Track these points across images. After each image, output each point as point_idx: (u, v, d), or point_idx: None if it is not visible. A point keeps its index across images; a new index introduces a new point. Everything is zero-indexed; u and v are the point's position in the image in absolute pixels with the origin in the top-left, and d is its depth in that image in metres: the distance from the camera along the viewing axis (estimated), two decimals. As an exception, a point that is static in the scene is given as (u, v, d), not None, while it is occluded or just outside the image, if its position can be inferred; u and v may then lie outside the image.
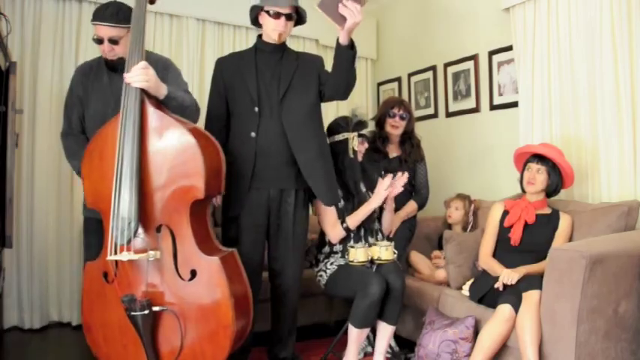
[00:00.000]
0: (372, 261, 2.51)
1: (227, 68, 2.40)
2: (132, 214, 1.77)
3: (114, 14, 2.09)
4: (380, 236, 2.68)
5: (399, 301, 2.40)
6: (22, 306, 3.12)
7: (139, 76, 1.86)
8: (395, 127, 3.01)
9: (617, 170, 2.56)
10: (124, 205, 1.77)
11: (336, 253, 2.59)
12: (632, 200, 2.39)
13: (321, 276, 2.58)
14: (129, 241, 1.78)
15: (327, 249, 2.62)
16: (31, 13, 3.15)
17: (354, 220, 2.52)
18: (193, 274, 1.84)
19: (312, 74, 2.40)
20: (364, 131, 2.68)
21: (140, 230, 1.82)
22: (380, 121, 3.07)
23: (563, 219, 2.44)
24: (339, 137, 2.59)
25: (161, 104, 1.96)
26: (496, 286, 2.27)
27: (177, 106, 2.02)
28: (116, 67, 2.19)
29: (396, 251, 2.54)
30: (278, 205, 2.37)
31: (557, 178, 2.47)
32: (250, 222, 2.34)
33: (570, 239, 2.41)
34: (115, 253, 1.78)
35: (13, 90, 2.49)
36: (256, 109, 2.32)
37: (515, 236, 2.44)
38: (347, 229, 2.52)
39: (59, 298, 3.23)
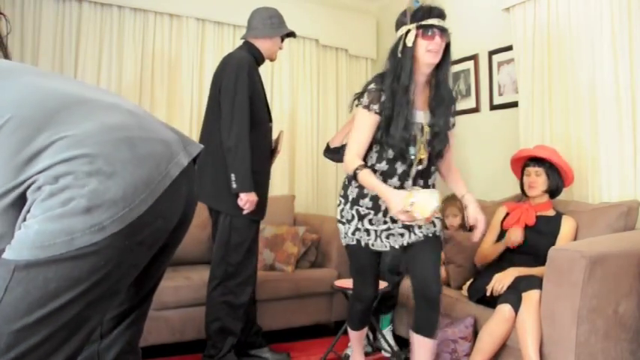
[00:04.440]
0: (405, 247, 2.07)
1: (254, 74, 2.45)
2: None
3: None
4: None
5: (437, 309, 1.98)
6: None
7: None
8: None
9: (617, 170, 2.56)
10: None
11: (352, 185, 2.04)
12: (632, 200, 2.39)
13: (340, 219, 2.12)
14: None
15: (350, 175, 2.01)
16: (31, 13, 3.15)
17: (367, 181, 1.90)
18: None
19: None
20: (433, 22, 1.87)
21: None
22: None
23: (565, 222, 2.43)
24: (399, 33, 1.93)
25: None
26: (487, 293, 2.28)
27: None
28: None
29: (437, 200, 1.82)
30: None
31: (556, 177, 2.47)
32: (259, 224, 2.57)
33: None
34: None
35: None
36: (270, 124, 2.54)
37: None
38: (354, 176, 1.92)
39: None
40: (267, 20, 2.52)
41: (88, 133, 0.90)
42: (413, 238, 2.03)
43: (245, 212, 2.38)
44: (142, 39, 3.48)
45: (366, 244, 2.06)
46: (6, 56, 2.32)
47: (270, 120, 2.58)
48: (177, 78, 3.60)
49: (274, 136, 2.65)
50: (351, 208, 2.05)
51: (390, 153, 1.94)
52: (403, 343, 2.82)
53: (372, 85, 1.95)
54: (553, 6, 2.86)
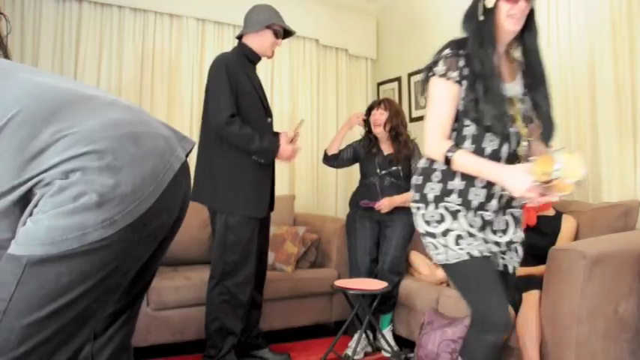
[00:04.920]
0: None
1: (237, 71, 2.44)
2: None
3: None
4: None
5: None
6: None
7: None
8: (376, 125, 2.99)
9: (617, 170, 2.56)
10: None
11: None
12: (632, 200, 2.39)
13: (430, 231, 1.68)
14: None
15: (425, 163, 1.72)
16: (31, 13, 3.15)
17: (469, 162, 1.57)
18: None
19: None
20: None
21: None
22: (368, 124, 3.07)
23: (565, 221, 2.43)
24: None
25: None
26: None
27: None
28: None
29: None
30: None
31: None
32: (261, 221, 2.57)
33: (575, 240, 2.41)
34: None
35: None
36: (269, 119, 2.55)
37: None
38: (447, 161, 1.60)
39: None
40: (254, 16, 2.53)
41: (94, 129, 0.91)
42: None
43: (293, 160, 2.57)
44: (142, 39, 3.48)
45: (481, 253, 1.61)
46: (6, 56, 2.30)
47: (269, 115, 2.58)
48: (177, 78, 3.60)
49: (282, 131, 2.66)
50: (437, 208, 1.65)
51: (475, 129, 1.61)
52: (403, 343, 2.82)
53: (447, 51, 1.66)
54: (553, 6, 2.86)
